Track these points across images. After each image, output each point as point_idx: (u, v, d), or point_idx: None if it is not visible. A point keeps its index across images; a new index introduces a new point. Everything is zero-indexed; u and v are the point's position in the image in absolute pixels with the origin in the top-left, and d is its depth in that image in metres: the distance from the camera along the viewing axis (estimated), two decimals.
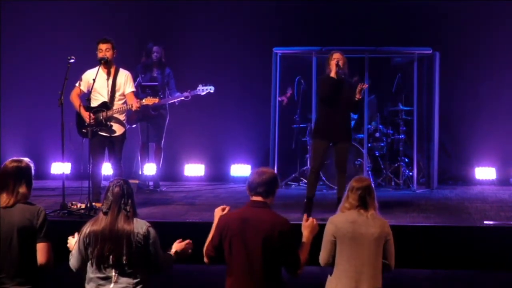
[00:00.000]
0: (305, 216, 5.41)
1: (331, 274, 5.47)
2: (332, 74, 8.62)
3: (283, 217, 5.20)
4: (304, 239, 5.26)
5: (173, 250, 5.38)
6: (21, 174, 5.17)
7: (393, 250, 5.50)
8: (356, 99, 8.54)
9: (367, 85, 8.64)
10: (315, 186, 8.72)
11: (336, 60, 8.61)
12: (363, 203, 5.47)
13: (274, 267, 5.09)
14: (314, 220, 5.36)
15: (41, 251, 5.05)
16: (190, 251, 5.43)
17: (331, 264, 5.46)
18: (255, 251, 5.04)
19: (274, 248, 5.04)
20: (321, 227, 5.47)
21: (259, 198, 5.19)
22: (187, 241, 5.43)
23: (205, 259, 5.24)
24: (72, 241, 5.32)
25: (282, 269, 5.17)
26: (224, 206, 5.36)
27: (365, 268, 5.37)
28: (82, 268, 5.21)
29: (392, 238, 5.49)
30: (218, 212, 5.33)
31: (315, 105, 10.77)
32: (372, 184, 5.64)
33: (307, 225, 5.31)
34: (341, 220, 5.47)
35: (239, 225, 5.10)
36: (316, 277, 5.90)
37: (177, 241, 5.44)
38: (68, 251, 5.33)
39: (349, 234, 5.40)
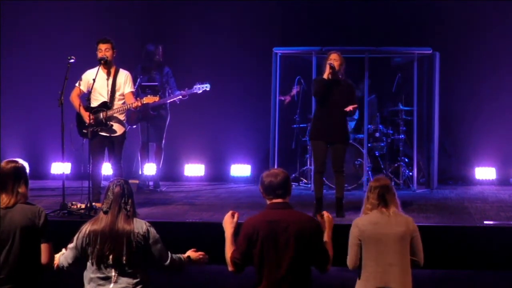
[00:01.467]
0: (318, 216, 5.41)
1: (359, 277, 5.49)
2: (325, 76, 8.61)
3: (308, 215, 5.26)
4: (325, 236, 5.26)
5: (186, 255, 5.39)
6: (19, 174, 5.18)
7: (421, 246, 5.52)
8: (347, 110, 8.55)
9: (351, 108, 8.61)
10: (321, 186, 8.73)
11: (330, 61, 8.59)
12: (383, 200, 5.52)
13: (305, 266, 5.11)
14: (327, 213, 5.37)
15: (44, 251, 5.07)
16: (205, 261, 5.41)
17: (358, 267, 5.49)
18: (287, 252, 5.04)
19: (306, 247, 5.06)
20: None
21: (279, 200, 5.20)
22: (202, 253, 5.43)
23: (231, 268, 5.16)
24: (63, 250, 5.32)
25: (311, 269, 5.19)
26: (233, 212, 5.32)
27: (393, 267, 5.39)
28: (72, 266, 5.20)
29: (418, 234, 5.52)
30: (228, 219, 5.26)
31: (315, 106, 10.77)
32: (391, 183, 5.67)
33: (323, 222, 5.31)
34: (364, 222, 5.51)
35: (269, 228, 5.07)
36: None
37: (192, 249, 5.44)
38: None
39: (373, 235, 5.44)
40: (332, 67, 8.57)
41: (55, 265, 5.29)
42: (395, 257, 5.41)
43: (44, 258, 5.07)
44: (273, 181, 5.18)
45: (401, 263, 5.42)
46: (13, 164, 5.19)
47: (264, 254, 5.06)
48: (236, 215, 5.27)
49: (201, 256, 5.43)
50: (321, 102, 8.71)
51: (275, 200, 5.20)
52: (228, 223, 5.24)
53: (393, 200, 5.55)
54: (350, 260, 5.50)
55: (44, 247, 5.08)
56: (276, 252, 5.05)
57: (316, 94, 8.74)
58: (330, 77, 8.63)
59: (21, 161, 5.32)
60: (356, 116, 11.29)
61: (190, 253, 5.42)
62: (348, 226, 5.65)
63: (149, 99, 9.20)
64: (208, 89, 10.49)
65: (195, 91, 10.52)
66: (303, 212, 5.28)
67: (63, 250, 5.32)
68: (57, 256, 5.30)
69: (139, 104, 8.97)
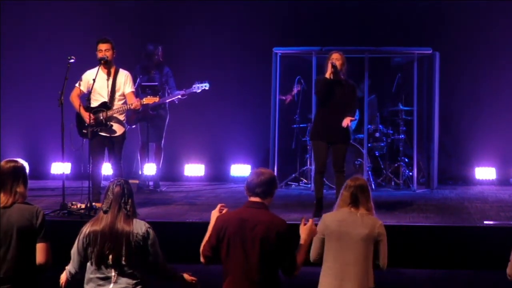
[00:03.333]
0: (303, 220, 5.41)
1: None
2: (327, 75, 8.60)
3: (280, 218, 5.20)
4: (301, 241, 5.27)
5: (180, 273, 5.40)
6: (18, 174, 5.18)
7: (385, 251, 5.50)
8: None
9: (349, 121, 8.60)
10: (322, 187, 8.72)
11: (332, 60, 8.58)
12: (354, 201, 5.52)
13: (271, 268, 5.09)
14: (312, 222, 5.36)
15: (40, 251, 5.07)
16: (195, 285, 5.43)
17: (319, 261, 5.51)
18: (252, 252, 5.04)
19: (271, 249, 5.05)
20: None
21: (257, 199, 5.20)
22: (195, 278, 5.43)
23: (202, 259, 5.24)
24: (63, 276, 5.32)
25: (279, 270, 5.17)
26: (222, 205, 5.35)
27: (351, 267, 5.39)
28: (80, 272, 5.21)
29: (384, 238, 5.49)
30: (215, 213, 5.32)
31: (315, 106, 10.78)
32: (368, 185, 5.66)
33: (305, 228, 5.32)
34: (330, 218, 5.54)
35: (237, 226, 5.10)
36: (310, 277, 5.91)
37: (187, 273, 5.45)
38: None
39: (336, 232, 5.45)
40: (334, 66, 8.55)
41: (62, 283, 5.29)
42: (354, 257, 5.40)
43: (40, 258, 5.06)
44: (254, 180, 5.19)
45: (361, 265, 5.41)
46: (12, 164, 5.19)
47: (231, 250, 5.08)
48: (224, 210, 5.31)
49: (193, 281, 5.43)
50: (323, 102, 8.70)
51: (252, 199, 5.21)
52: (213, 216, 5.28)
53: (365, 203, 5.53)
54: (311, 253, 5.52)
55: (40, 247, 5.07)
56: (243, 250, 5.06)
57: (318, 93, 8.73)
58: (332, 76, 8.61)
59: (21, 161, 5.33)
60: (356, 117, 11.28)
61: (185, 274, 5.42)
62: None
63: (149, 100, 9.21)
64: (207, 88, 10.49)
65: (194, 90, 10.52)
66: (276, 215, 5.23)
67: (66, 268, 5.31)
68: (63, 275, 5.30)
69: (139, 104, 8.97)
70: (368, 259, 5.43)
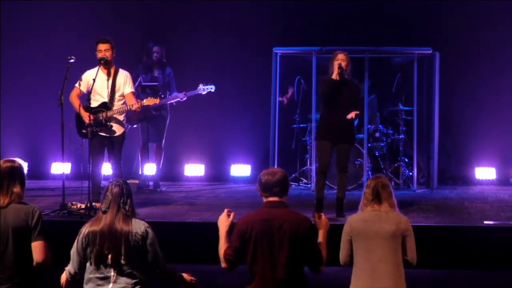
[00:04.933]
0: (316, 215, 5.46)
1: (352, 275, 5.53)
2: (334, 76, 8.61)
3: (303, 215, 5.26)
4: (320, 237, 5.30)
5: (180, 273, 5.39)
6: (15, 174, 5.16)
7: (413, 246, 5.53)
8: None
9: (354, 115, 8.62)
10: (323, 187, 8.72)
11: (339, 61, 8.60)
12: (376, 197, 5.55)
13: (298, 265, 5.13)
14: (324, 216, 5.42)
15: (37, 249, 5.06)
16: (194, 285, 5.42)
17: (349, 263, 5.53)
18: (280, 251, 5.06)
19: (299, 246, 5.08)
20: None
21: (275, 198, 5.21)
22: (194, 278, 5.42)
23: (224, 264, 5.20)
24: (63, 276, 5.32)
25: (305, 269, 5.20)
26: (229, 210, 5.34)
27: (382, 264, 5.40)
28: (80, 273, 5.20)
29: (411, 234, 5.52)
30: (223, 219, 5.29)
31: (315, 105, 10.78)
32: (389, 182, 5.69)
33: (319, 223, 5.37)
34: (355, 219, 5.57)
35: (263, 226, 5.10)
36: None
37: (187, 273, 5.45)
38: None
39: (362, 232, 5.47)
40: (340, 67, 8.56)
41: (62, 283, 5.29)
42: (384, 255, 5.42)
43: (37, 257, 5.05)
44: (270, 179, 5.20)
45: (391, 261, 5.43)
46: (9, 164, 5.18)
47: (258, 252, 5.09)
48: (232, 215, 5.30)
49: (193, 281, 5.42)
50: (328, 102, 8.69)
51: (271, 199, 5.22)
52: (223, 222, 5.27)
53: (388, 198, 5.57)
54: (341, 256, 5.55)
55: (37, 245, 5.05)
56: (270, 250, 5.07)
57: (325, 94, 8.70)
58: (337, 77, 8.62)
59: (18, 160, 5.32)
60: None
61: (184, 274, 5.42)
62: None
63: (149, 101, 9.21)
64: (213, 90, 10.46)
65: (199, 92, 10.49)
66: (298, 212, 5.29)
67: (66, 269, 5.31)
68: (63, 275, 5.30)
69: (139, 106, 8.97)
70: (397, 255, 5.46)
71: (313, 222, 5.31)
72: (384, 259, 5.42)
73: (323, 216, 5.41)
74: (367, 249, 5.45)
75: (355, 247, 5.49)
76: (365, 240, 5.46)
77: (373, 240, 5.44)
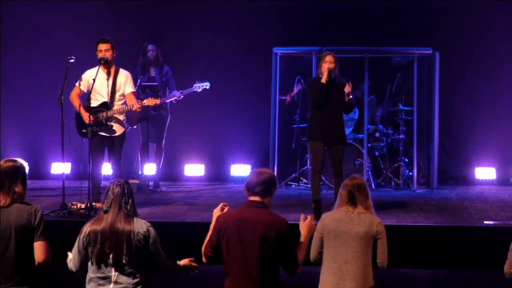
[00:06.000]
0: (302, 216, 5.44)
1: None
2: (323, 80, 8.57)
3: (280, 217, 5.22)
4: (302, 238, 5.30)
5: (179, 262, 5.41)
6: (17, 174, 5.16)
7: (385, 249, 5.50)
8: (346, 100, 8.53)
9: (350, 87, 8.57)
10: (319, 188, 8.67)
11: (327, 64, 8.55)
12: (351, 199, 5.54)
13: (272, 267, 5.11)
14: (311, 218, 5.40)
15: (39, 249, 5.06)
16: (195, 268, 5.42)
17: (318, 261, 5.54)
18: (252, 251, 5.06)
19: (271, 248, 5.06)
20: None
21: (256, 198, 5.21)
22: (192, 258, 5.44)
23: (204, 259, 5.26)
24: (70, 255, 5.32)
25: (280, 269, 5.18)
26: (224, 204, 5.37)
27: (349, 265, 5.40)
28: (81, 270, 5.21)
29: (383, 236, 5.50)
30: (216, 212, 5.34)
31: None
32: (366, 184, 5.66)
33: (304, 225, 5.36)
34: (328, 218, 5.57)
35: (237, 225, 5.12)
36: (310, 277, 5.92)
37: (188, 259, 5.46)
38: (67, 252, 5.33)
39: (333, 231, 5.48)
40: (330, 73, 8.53)
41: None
42: (352, 255, 5.42)
43: (39, 257, 5.05)
44: (254, 179, 5.22)
45: (358, 262, 5.42)
46: (11, 163, 5.18)
47: (230, 250, 5.10)
48: (226, 209, 5.33)
49: (193, 264, 5.42)
50: (319, 105, 8.66)
51: (253, 198, 5.23)
52: (215, 215, 5.31)
53: (363, 202, 5.54)
54: (311, 253, 5.55)
55: (39, 245, 5.06)
56: (242, 249, 5.07)
57: (316, 99, 8.66)
58: (327, 81, 8.59)
59: (20, 160, 5.32)
60: (356, 117, 11.29)
61: (183, 260, 5.42)
62: None
63: (150, 102, 9.22)
64: (208, 87, 10.48)
65: (195, 90, 10.51)
66: (275, 214, 5.25)
67: (69, 253, 5.31)
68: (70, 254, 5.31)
69: (140, 106, 8.96)
70: (366, 257, 5.44)
71: (290, 224, 5.23)
72: (351, 260, 5.41)
73: (309, 218, 5.37)
74: (335, 249, 5.44)
75: (325, 245, 5.49)
76: (334, 240, 5.46)
77: (342, 240, 5.43)
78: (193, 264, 5.44)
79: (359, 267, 5.41)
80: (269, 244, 5.05)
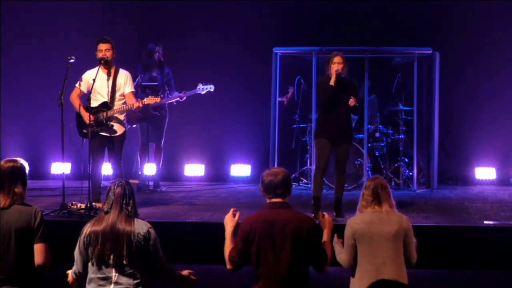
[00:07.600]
0: (320, 214, 5.47)
1: (353, 276, 5.54)
2: (332, 82, 8.58)
3: (306, 215, 5.28)
4: (324, 236, 5.30)
5: (179, 272, 5.38)
6: (17, 174, 5.13)
7: (413, 245, 5.56)
8: (351, 106, 8.56)
9: (354, 101, 8.59)
10: (321, 185, 8.71)
11: (335, 65, 8.56)
12: (376, 198, 5.56)
13: (302, 266, 5.13)
14: (327, 215, 5.43)
15: (38, 251, 5.04)
16: (193, 282, 5.39)
17: (353, 266, 5.53)
18: (283, 251, 5.06)
19: (303, 247, 5.08)
20: None
21: (279, 199, 5.21)
22: (192, 271, 5.42)
23: (229, 266, 5.20)
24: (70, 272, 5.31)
25: (309, 268, 5.20)
26: (235, 210, 5.34)
27: (387, 266, 5.42)
28: (85, 274, 5.19)
29: (411, 233, 5.55)
30: (229, 218, 5.30)
31: (315, 106, 10.77)
32: (387, 182, 5.71)
33: (323, 222, 5.37)
34: (357, 221, 5.56)
35: (266, 228, 5.10)
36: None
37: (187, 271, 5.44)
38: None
39: (366, 234, 5.48)
40: (338, 75, 8.54)
41: (69, 281, 5.28)
42: (388, 255, 5.44)
43: (39, 259, 5.03)
44: (273, 180, 5.20)
45: (395, 261, 5.45)
46: (11, 164, 5.15)
47: (261, 253, 5.09)
48: (237, 214, 5.30)
49: (192, 278, 5.39)
50: (327, 106, 8.68)
51: (274, 200, 5.22)
52: (229, 222, 5.27)
53: (387, 199, 5.59)
54: (345, 260, 5.56)
55: (39, 247, 5.04)
56: (273, 251, 5.07)
57: (325, 101, 8.68)
58: (335, 82, 8.59)
59: (21, 160, 5.28)
60: (356, 116, 11.28)
61: (184, 272, 5.41)
62: None
63: (150, 100, 9.21)
64: (212, 90, 10.48)
65: (198, 92, 10.50)
66: (301, 212, 5.31)
67: (68, 272, 5.29)
68: (69, 272, 5.29)
69: (140, 105, 8.97)
70: (401, 255, 5.48)
71: (317, 222, 5.32)
72: (388, 260, 5.43)
73: (326, 215, 5.41)
74: (371, 251, 5.45)
75: (359, 249, 5.49)
76: (368, 242, 5.47)
77: (377, 241, 5.45)
78: (192, 277, 5.39)
79: (397, 266, 5.44)
80: (300, 242, 5.07)
